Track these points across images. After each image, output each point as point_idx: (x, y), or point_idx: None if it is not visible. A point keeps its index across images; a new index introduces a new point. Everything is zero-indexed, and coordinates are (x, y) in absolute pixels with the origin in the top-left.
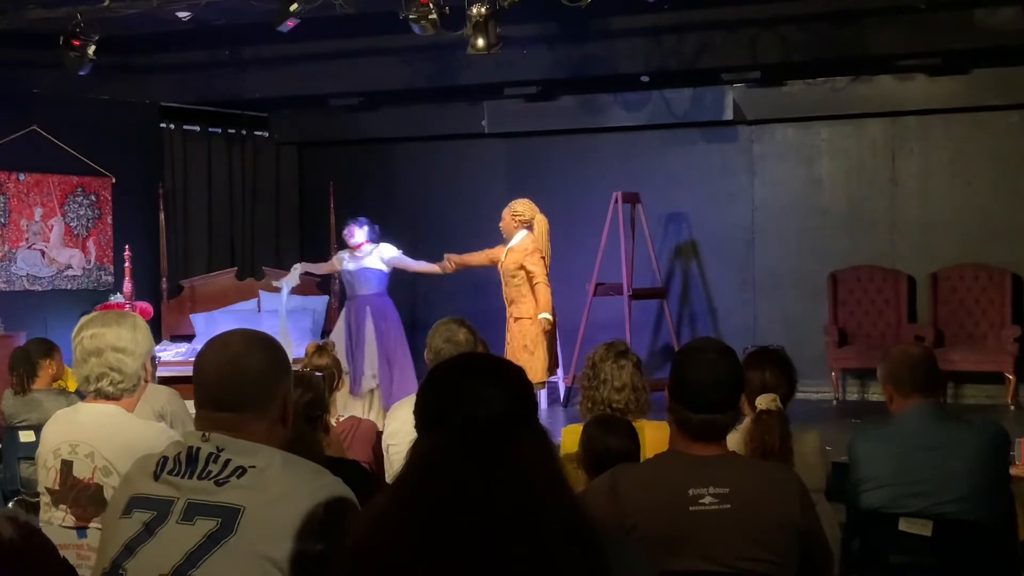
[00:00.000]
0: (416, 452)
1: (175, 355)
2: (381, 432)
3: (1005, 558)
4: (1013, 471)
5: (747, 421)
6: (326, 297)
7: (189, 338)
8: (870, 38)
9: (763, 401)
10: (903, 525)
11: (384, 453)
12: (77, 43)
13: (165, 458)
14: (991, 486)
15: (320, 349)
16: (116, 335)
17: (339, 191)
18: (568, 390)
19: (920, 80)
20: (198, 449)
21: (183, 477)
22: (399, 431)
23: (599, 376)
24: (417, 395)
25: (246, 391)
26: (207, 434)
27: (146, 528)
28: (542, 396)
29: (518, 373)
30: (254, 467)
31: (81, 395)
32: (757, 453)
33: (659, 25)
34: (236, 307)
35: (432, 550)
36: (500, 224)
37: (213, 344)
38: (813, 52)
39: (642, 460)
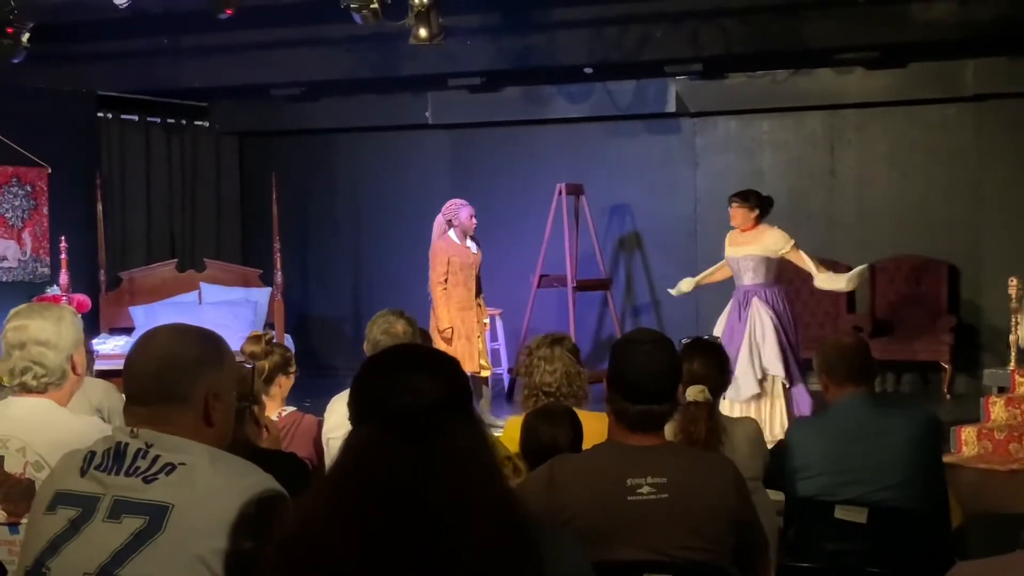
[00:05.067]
0: (349, 443)
1: (113, 348)
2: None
3: (938, 545)
4: (947, 459)
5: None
6: (268, 289)
7: (128, 331)
8: (809, 31)
9: (691, 392)
10: (839, 512)
11: (324, 447)
12: (11, 30)
13: (92, 453)
14: (924, 474)
15: (255, 338)
16: (39, 328)
17: (281, 182)
18: (512, 382)
19: (858, 73)
20: (126, 445)
21: (110, 473)
22: (340, 424)
23: (533, 362)
24: (351, 387)
25: (168, 382)
26: (136, 430)
27: (72, 525)
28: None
29: (452, 364)
30: (183, 464)
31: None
32: (684, 444)
33: (602, 17)
34: (176, 299)
35: (363, 541)
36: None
37: (140, 338)
38: (754, 45)
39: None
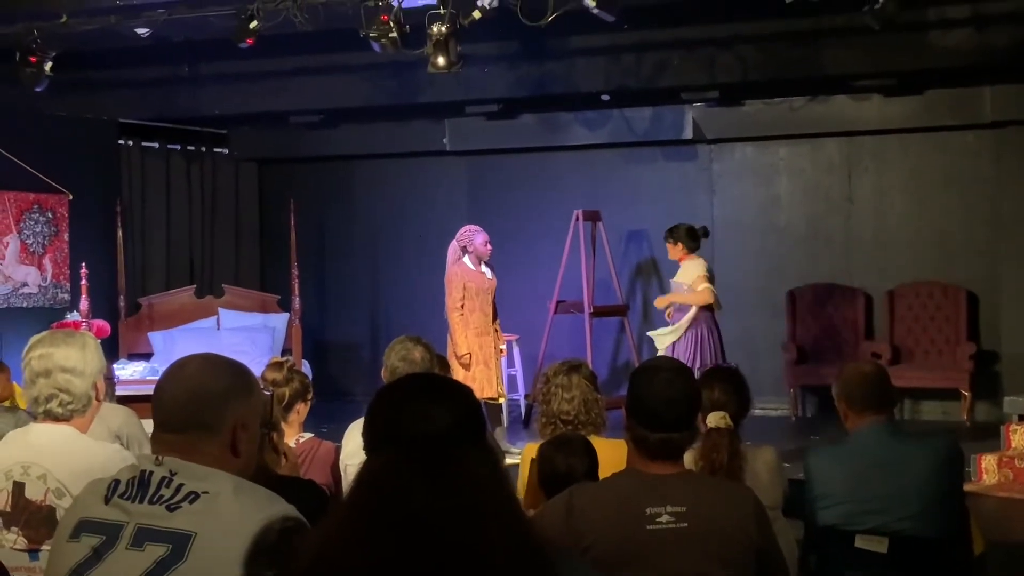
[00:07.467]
0: (363, 472)
1: (132, 374)
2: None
3: (960, 574)
4: (968, 487)
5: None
6: (286, 315)
7: (147, 356)
8: (826, 59)
9: (712, 419)
10: (859, 542)
11: (342, 474)
12: (34, 59)
13: (117, 481)
14: (945, 502)
15: (277, 365)
16: (64, 355)
17: (299, 208)
18: (529, 408)
19: (876, 100)
20: (151, 473)
21: (134, 501)
22: (357, 451)
23: (550, 390)
24: (365, 416)
25: (197, 411)
26: (161, 457)
27: (95, 553)
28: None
29: (465, 392)
30: (207, 492)
31: (31, 413)
32: (706, 470)
33: (618, 44)
34: (195, 325)
35: (378, 569)
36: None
37: (171, 366)
38: (771, 72)
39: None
